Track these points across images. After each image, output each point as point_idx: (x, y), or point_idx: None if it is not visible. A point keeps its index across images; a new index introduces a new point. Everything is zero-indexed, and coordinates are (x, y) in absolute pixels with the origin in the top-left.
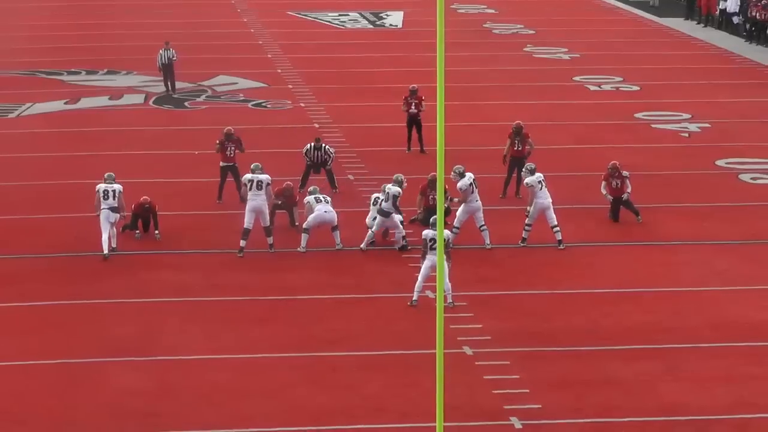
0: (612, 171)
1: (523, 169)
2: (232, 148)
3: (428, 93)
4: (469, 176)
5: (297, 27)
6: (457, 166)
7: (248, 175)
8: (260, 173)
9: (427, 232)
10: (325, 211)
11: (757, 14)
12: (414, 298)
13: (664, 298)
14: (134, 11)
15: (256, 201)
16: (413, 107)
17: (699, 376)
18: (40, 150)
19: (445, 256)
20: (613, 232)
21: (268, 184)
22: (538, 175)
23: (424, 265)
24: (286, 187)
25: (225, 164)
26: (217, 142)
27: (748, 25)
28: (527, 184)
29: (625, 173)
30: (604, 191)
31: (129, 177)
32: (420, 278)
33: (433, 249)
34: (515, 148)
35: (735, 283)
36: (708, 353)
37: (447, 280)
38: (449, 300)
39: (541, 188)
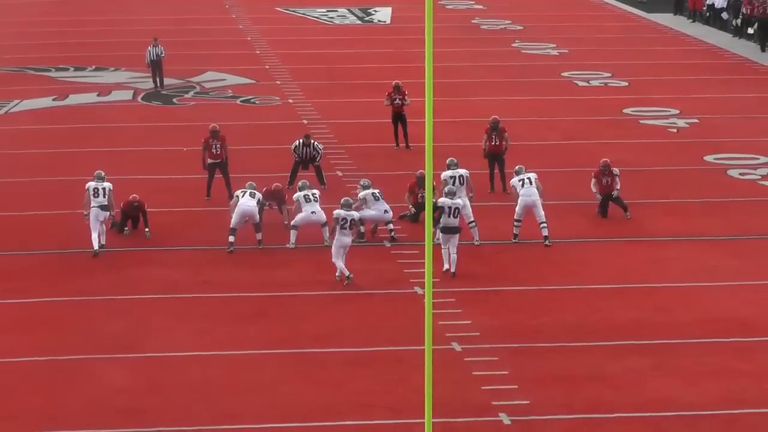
0: (603, 169)
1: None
2: (218, 145)
3: (416, 89)
4: (455, 172)
5: (285, 23)
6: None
7: (239, 191)
8: (252, 190)
9: (339, 212)
10: (312, 212)
11: (746, 10)
12: (337, 274)
13: (653, 293)
14: (122, 7)
15: (248, 206)
16: (397, 101)
17: (687, 371)
18: (28, 147)
19: (350, 236)
20: (601, 228)
21: (259, 200)
22: (523, 176)
23: (335, 245)
24: (276, 189)
25: (212, 161)
26: (203, 141)
27: (736, 21)
28: (511, 184)
29: (615, 170)
30: (594, 189)
31: (117, 173)
32: (334, 257)
33: (343, 228)
34: (492, 143)
35: (724, 278)
36: (696, 349)
37: (343, 258)
38: (347, 274)
39: (523, 186)
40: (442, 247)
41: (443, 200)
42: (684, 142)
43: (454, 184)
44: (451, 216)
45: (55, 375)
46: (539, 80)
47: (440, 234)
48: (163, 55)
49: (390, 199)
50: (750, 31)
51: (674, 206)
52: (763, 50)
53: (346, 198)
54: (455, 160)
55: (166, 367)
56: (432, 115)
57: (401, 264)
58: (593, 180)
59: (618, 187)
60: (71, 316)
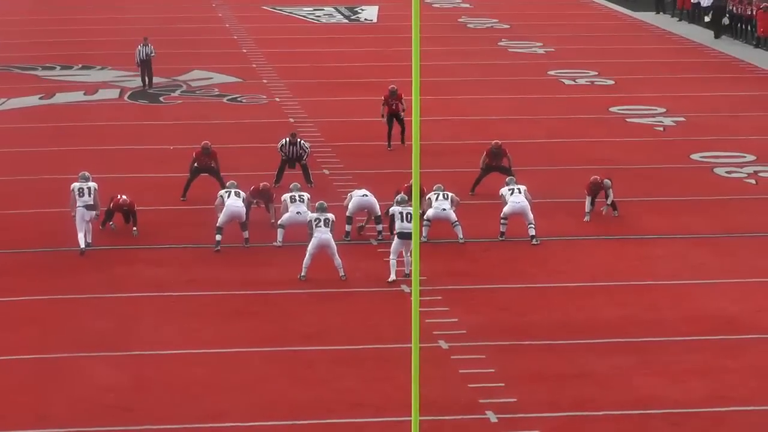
0: (594, 188)
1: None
2: (207, 161)
3: (404, 87)
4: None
5: (272, 21)
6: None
7: (223, 191)
8: (236, 189)
9: (312, 214)
10: (298, 212)
11: (734, 8)
12: (302, 273)
13: (639, 291)
14: (109, 6)
15: (236, 206)
16: (394, 107)
17: (674, 369)
18: (15, 145)
19: (331, 233)
20: (588, 226)
21: (244, 198)
22: (513, 186)
23: (312, 244)
24: (263, 188)
25: (199, 166)
26: (194, 155)
27: (723, 20)
28: (500, 194)
29: (606, 182)
30: (588, 208)
31: (104, 172)
32: (308, 255)
33: (318, 227)
34: (492, 164)
35: (710, 276)
36: (683, 346)
37: (337, 256)
38: (341, 273)
39: (512, 194)
40: (392, 256)
41: (394, 208)
42: (670, 140)
43: (437, 199)
44: (405, 221)
45: (42, 373)
46: (525, 79)
47: (396, 240)
48: (153, 54)
49: (378, 197)
50: (706, 19)
51: (661, 204)
52: (716, 37)
53: (320, 202)
54: (442, 186)
55: (153, 365)
56: (419, 113)
57: (388, 262)
58: (588, 197)
59: (609, 202)
60: (58, 314)
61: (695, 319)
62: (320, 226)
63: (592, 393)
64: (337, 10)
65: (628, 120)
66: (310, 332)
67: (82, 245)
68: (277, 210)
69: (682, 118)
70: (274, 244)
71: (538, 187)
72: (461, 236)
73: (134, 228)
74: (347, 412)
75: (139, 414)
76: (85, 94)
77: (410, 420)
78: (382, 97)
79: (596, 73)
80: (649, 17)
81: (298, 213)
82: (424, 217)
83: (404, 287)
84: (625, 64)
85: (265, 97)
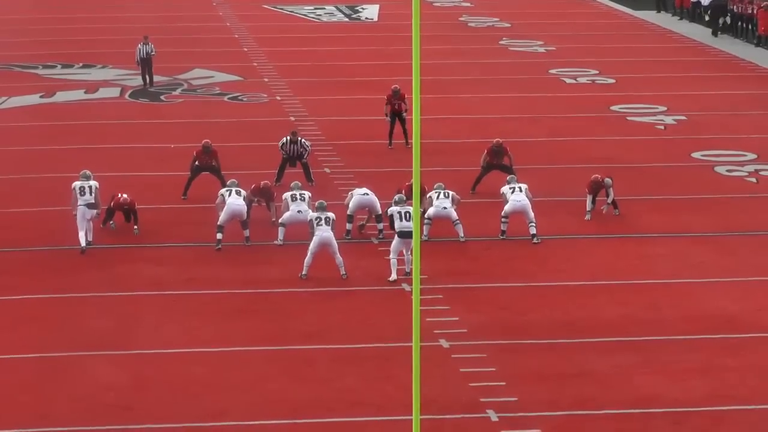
0: (595, 186)
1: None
2: (208, 160)
3: (404, 86)
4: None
5: (273, 20)
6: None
7: (224, 189)
8: (237, 188)
9: (313, 214)
10: (299, 211)
11: (735, 7)
12: (303, 272)
13: (640, 290)
14: (110, 4)
15: (237, 205)
16: (397, 107)
17: (674, 368)
18: (16, 144)
19: (332, 232)
20: (588, 225)
21: (245, 197)
22: (514, 185)
23: (313, 243)
24: (264, 187)
25: (200, 165)
26: (195, 153)
27: (724, 19)
28: (501, 193)
29: (607, 181)
30: (589, 207)
31: (105, 171)
32: (309, 254)
33: (319, 226)
34: (493, 162)
35: (710, 275)
36: (683, 345)
37: (338, 255)
38: (343, 272)
39: (512, 192)
40: (392, 255)
41: (392, 209)
42: (671, 138)
43: (438, 198)
44: (404, 220)
45: (43, 372)
46: (527, 77)
47: (396, 239)
48: (153, 53)
49: (379, 196)
50: (706, 18)
51: (662, 203)
52: (714, 35)
53: (320, 201)
54: (443, 185)
55: (154, 364)
56: (419, 111)
57: (388, 261)
58: (589, 196)
59: (609, 201)
60: (59, 313)
61: (695, 317)
62: (321, 225)
63: (593, 392)
64: (338, 9)
65: (628, 118)
66: (310, 331)
67: (83, 244)
68: (278, 209)
69: (682, 117)
70: (275, 242)
71: (539, 185)
72: (462, 235)
73: (135, 227)
74: (348, 411)
75: (139, 413)
76: (85, 92)
77: (411, 419)
78: (385, 97)
79: (597, 71)
80: (649, 16)
81: (299, 212)
82: (425, 215)
83: (405, 286)
84: (626, 63)
85: (265, 95)
